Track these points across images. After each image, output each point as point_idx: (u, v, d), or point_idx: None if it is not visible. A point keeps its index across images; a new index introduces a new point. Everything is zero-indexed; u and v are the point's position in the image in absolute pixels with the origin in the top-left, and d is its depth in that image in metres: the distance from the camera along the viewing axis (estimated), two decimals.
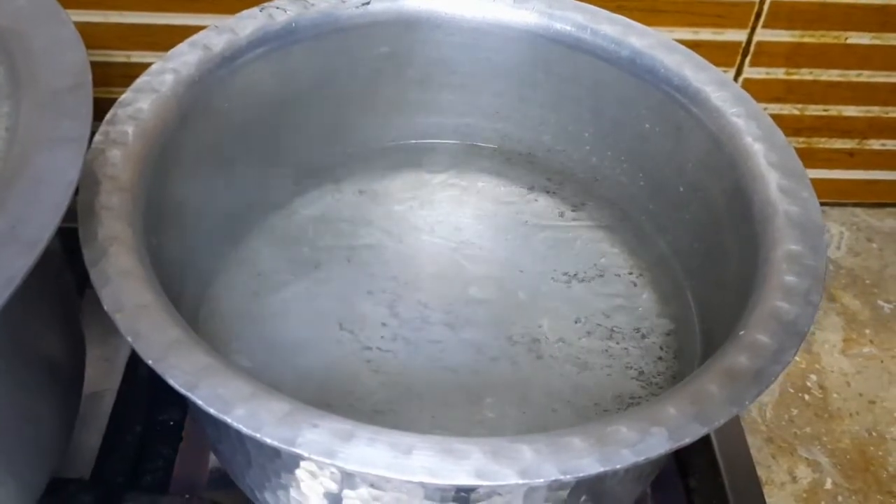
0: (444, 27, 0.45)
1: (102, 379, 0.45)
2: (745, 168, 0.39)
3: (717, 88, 0.41)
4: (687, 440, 0.28)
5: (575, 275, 0.44)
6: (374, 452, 0.27)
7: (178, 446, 0.43)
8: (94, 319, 0.36)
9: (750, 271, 0.35)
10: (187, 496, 0.39)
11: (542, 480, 0.26)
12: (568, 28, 0.44)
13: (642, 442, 0.28)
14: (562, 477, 0.27)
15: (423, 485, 0.28)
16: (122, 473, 0.41)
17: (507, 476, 0.26)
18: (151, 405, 0.44)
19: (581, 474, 0.27)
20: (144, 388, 0.44)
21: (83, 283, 0.33)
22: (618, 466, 0.27)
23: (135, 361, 0.45)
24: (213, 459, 0.43)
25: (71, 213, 0.32)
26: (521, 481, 0.26)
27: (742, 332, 0.32)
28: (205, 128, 0.40)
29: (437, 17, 0.45)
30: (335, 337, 0.41)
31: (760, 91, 0.53)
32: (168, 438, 0.43)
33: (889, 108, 0.55)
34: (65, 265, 0.39)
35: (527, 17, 0.44)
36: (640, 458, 0.27)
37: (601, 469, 0.27)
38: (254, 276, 0.43)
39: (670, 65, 0.42)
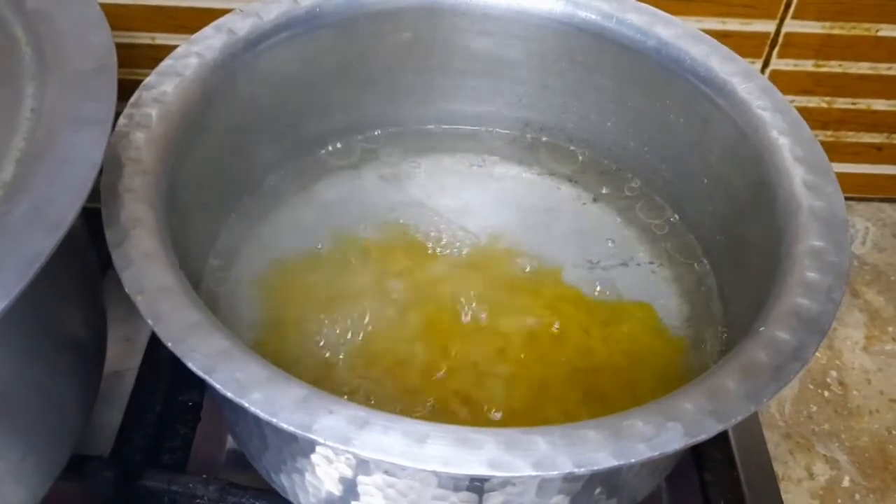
0: (467, 14, 0.45)
1: (124, 358, 0.46)
2: (769, 162, 0.38)
3: (743, 80, 0.40)
4: (703, 436, 0.28)
5: (596, 263, 0.44)
6: (388, 440, 0.27)
7: (196, 427, 0.43)
8: (117, 299, 0.36)
9: (772, 266, 0.35)
10: (205, 476, 0.40)
11: (555, 473, 0.27)
12: (593, 17, 0.43)
13: (657, 437, 0.28)
14: (575, 470, 0.27)
15: (436, 473, 0.28)
16: (142, 452, 0.41)
17: (521, 468, 0.26)
18: (172, 385, 0.44)
19: (595, 468, 0.27)
20: (165, 368, 0.44)
21: (106, 263, 0.33)
22: (632, 461, 0.27)
23: (156, 342, 0.45)
24: (230, 440, 0.44)
25: (95, 194, 0.33)
26: (534, 473, 0.26)
27: (762, 329, 0.32)
28: (228, 111, 0.40)
29: (460, 4, 0.44)
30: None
31: (788, 83, 0.52)
32: (187, 419, 0.43)
33: None
34: (88, 245, 0.39)
35: (551, 5, 0.44)
36: (655, 453, 0.27)
37: (615, 463, 0.27)
38: (274, 259, 0.43)
39: (696, 55, 0.42)
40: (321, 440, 0.27)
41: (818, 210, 0.36)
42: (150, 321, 0.29)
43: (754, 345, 0.31)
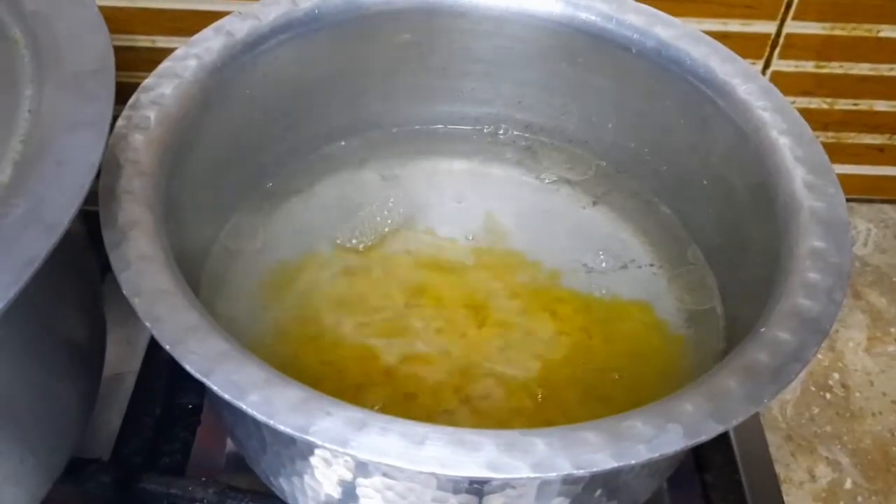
0: (467, 15, 0.45)
1: (124, 361, 0.46)
2: (770, 162, 0.38)
3: (743, 81, 0.40)
4: (703, 437, 0.28)
5: (596, 266, 0.44)
6: (386, 442, 0.27)
7: (196, 430, 0.43)
8: (117, 302, 0.36)
9: (773, 267, 0.35)
10: (204, 479, 0.40)
11: (554, 474, 0.26)
12: (593, 18, 0.43)
13: (657, 438, 0.27)
14: (574, 471, 0.26)
15: (435, 475, 0.28)
16: (141, 455, 0.41)
17: (520, 469, 0.26)
18: (171, 388, 0.44)
19: (594, 469, 0.27)
20: (165, 371, 0.44)
21: (106, 265, 0.33)
22: (632, 462, 0.27)
23: (156, 344, 0.45)
24: (230, 443, 0.44)
25: (94, 196, 0.33)
26: (533, 475, 0.26)
27: (763, 329, 0.31)
28: (226, 113, 0.40)
29: (460, 5, 0.44)
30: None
31: (789, 84, 0.52)
32: (187, 422, 0.43)
33: None
34: (87, 247, 0.39)
35: (551, 6, 0.44)
36: (655, 455, 0.27)
37: (615, 464, 0.27)
38: (274, 260, 0.43)
39: (696, 56, 0.42)
40: (318, 442, 0.27)
41: (819, 211, 0.35)
42: (147, 323, 0.29)
43: (755, 345, 0.31)
